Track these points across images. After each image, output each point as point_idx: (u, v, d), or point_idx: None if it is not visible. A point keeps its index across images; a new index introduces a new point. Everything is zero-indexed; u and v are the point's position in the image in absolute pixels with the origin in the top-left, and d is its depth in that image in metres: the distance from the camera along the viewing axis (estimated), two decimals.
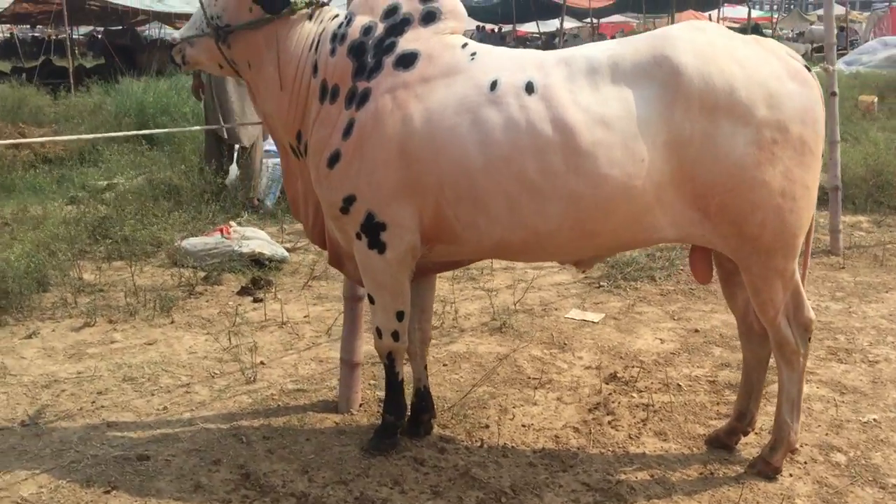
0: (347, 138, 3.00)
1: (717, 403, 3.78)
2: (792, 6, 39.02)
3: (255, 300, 5.28)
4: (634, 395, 3.88)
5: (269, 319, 4.91)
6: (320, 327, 4.81)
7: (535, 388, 3.98)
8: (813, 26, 34.90)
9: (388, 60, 3.00)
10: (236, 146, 7.61)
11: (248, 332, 4.71)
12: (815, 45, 28.42)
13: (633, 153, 2.79)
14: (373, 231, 3.05)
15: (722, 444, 3.38)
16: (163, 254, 6.16)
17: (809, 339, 3.11)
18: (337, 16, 3.18)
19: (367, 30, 3.05)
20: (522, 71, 2.91)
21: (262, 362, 4.29)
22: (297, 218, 3.53)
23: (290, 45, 3.14)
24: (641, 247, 3.21)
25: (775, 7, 42.55)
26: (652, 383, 3.99)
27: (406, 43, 3.01)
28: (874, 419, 3.60)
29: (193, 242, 5.97)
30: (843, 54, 26.00)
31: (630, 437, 3.49)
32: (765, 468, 3.15)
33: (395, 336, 3.24)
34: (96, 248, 6.22)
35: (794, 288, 3.03)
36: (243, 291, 5.41)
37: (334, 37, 3.09)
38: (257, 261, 5.86)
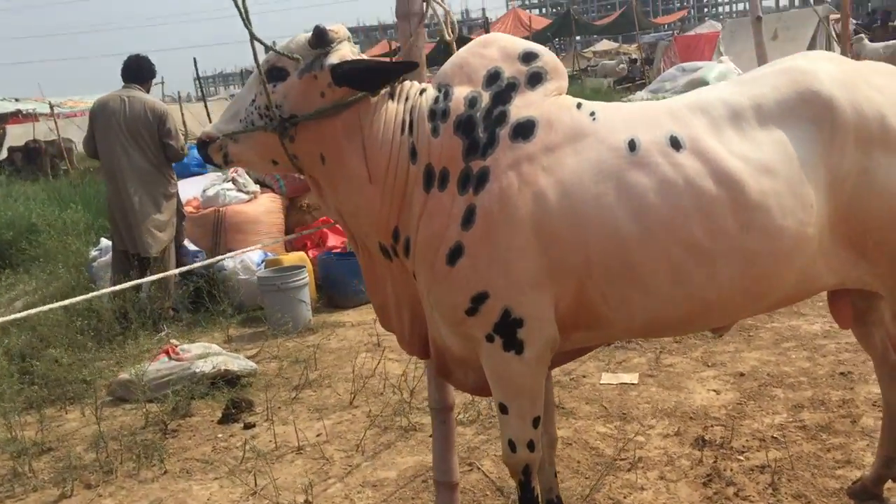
0: (469, 228, 2.56)
1: (828, 450, 3.58)
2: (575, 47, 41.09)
3: (247, 426, 4.59)
4: (739, 457, 3.61)
5: (280, 446, 4.25)
6: (345, 445, 4.21)
7: (629, 469, 3.62)
8: (603, 61, 37.32)
9: (503, 132, 2.59)
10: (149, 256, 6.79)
11: (263, 466, 4.03)
12: (609, 80, 30.15)
13: (801, 199, 2.54)
14: (509, 330, 2.61)
15: (870, 494, 3.17)
16: (100, 391, 5.27)
17: None
18: (424, 90, 2.73)
19: (472, 101, 2.63)
20: (658, 126, 2.59)
21: (308, 502, 3.65)
22: (388, 327, 3.01)
23: (378, 130, 2.66)
24: (800, 301, 2.95)
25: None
26: (747, 441, 3.74)
27: (518, 110, 2.61)
28: None
29: (142, 372, 5.15)
30: (642, 84, 27.87)
31: None
32: None
33: (531, 446, 2.79)
34: (15, 398, 5.23)
35: None
36: (226, 418, 4.70)
37: (433, 114, 2.64)
38: (228, 380, 5.13)
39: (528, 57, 2.68)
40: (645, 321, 2.68)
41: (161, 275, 5.35)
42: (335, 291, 6.89)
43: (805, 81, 2.61)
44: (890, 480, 3.16)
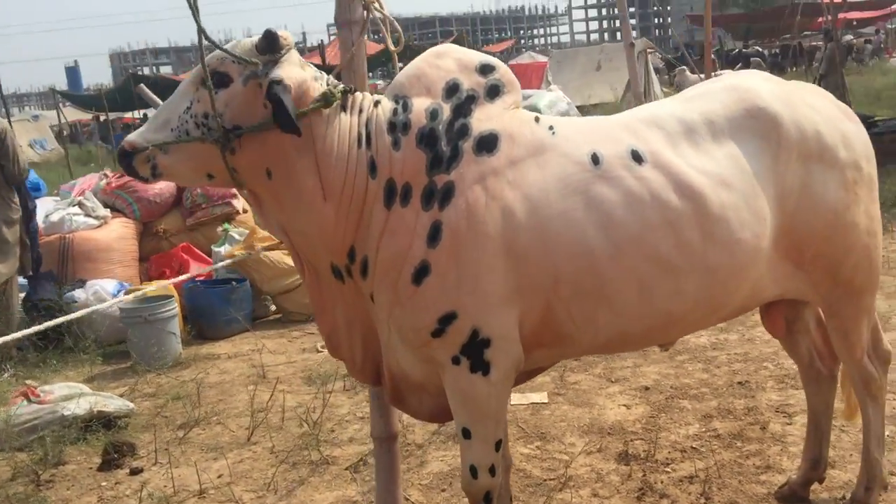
0: (436, 245, 2.42)
1: (746, 457, 3.70)
2: None
3: (133, 471, 4.16)
4: (666, 469, 3.66)
5: (179, 491, 3.88)
6: (253, 485, 3.90)
7: (561, 489, 3.57)
8: None
9: (466, 146, 2.48)
10: None
11: None
12: None
13: (756, 212, 2.61)
14: (476, 351, 2.49)
15: (798, 497, 3.29)
16: None
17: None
18: (378, 102, 2.56)
19: (434, 113, 2.50)
20: (617, 140, 2.58)
21: None
22: (337, 354, 2.79)
23: (332, 143, 2.47)
24: (745, 313, 3.01)
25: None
26: (669, 453, 3.80)
27: (479, 123, 2.52)
28: None
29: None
30: None
31: None
32: None
33: (493, 471, 2.67)
34: None
35: (873, 323, 3.04)
36: (107, 464, 4.24)
37: (392, 126, 2.49)
38: (104, 422, 4.64)
39: (485, 69, 2.60)
40: (608, 337, 2.65)
41: None
42: (204, 322, 6.47)
43: (751, 98, 2.69)
44: (815, 482, 3.29)
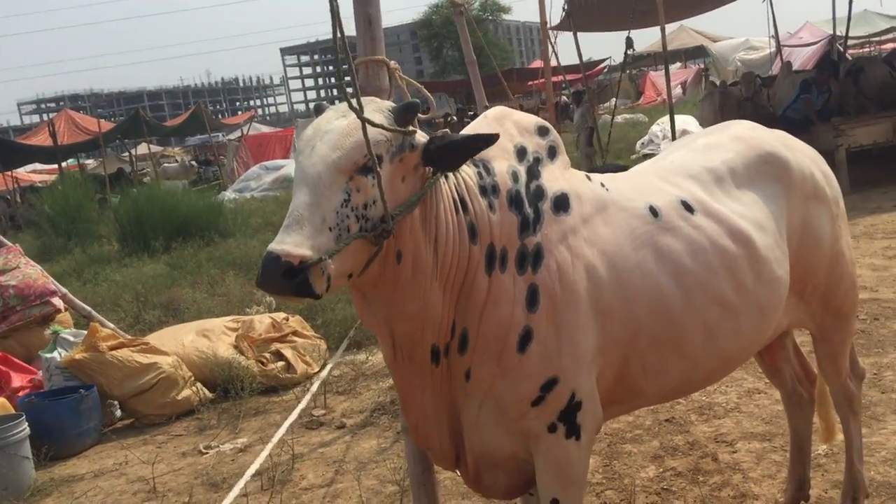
0: (535, 309, 2.34)
1: (718, 489, 3.86)
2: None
3: None
4: None
5: None
6: None
7: None
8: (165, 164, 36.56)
9: (545, 206, 2.44)
10: None
11: None
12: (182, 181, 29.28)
13: (783, 251, 2.80)
14: (571, 415, 2.42)
15: None
16: None
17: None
18: None
19: (515, 176, 2.44)
20: (664, 192, 2.67)
21: None
22: (425, 444, 2.55)
23: (441, 213, 2.29)
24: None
25: None
26: (647, 498, 3.87)
27: (549, 184, 2.49)
28: None
29: None
30: (218, 183, 27.84)
31: None
32: None
33: None
34: None
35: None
36: None
37: (483, 189, 2.37)
38: None
39: (542, 131, 2.60)
40: (674, 386, 2.70)
41: None
42: (52, 440, 5.59)
43: (760, 146, 2.89)
44: (802, 502, 3.51)
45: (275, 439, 3.99)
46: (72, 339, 6.23)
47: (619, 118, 29.72)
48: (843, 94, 12.75)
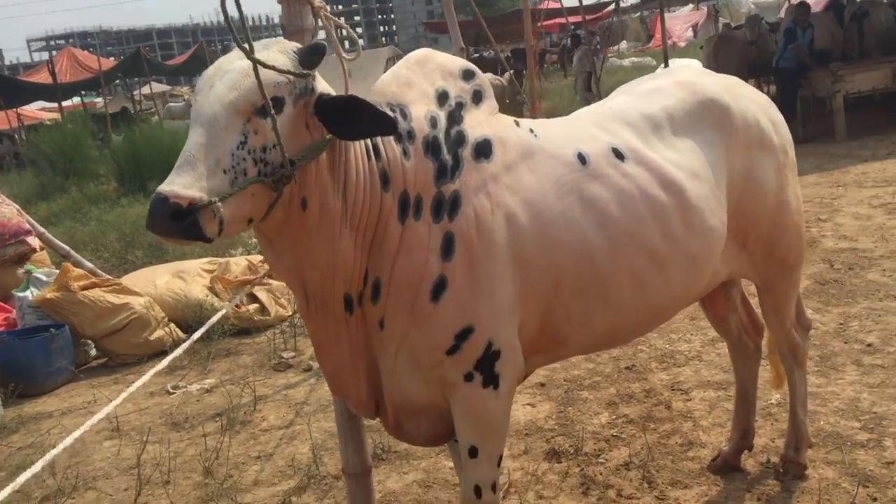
0: (450, 258, 2.29)
1: (667, 437, 3.86)
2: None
3: None
4: (599, 460, 3.72)
5: None
6: None
7: (504, 497, 3.53)
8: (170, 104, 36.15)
9: (465, 153, 2.37)
10: None
11: None
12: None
13: (719, 200, 2.73)
14: (488, 364, 2.38)
15: (730, 466, 3.48)
16: None
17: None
18: None
19: (433, 121, 2.37)
20: (595, 139, 2.59)
21: None
22: (342, 393, 2.53)
23: (352, 159, 2.23)
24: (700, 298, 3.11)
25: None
26: (594, 444, 3.87)
27: (472, 129, 2.42)
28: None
29: None
30: None
31: (657, 498, 3.35)
32: (797, 469, 3.34)
33: (495, 488, 2.59)
34: None
35: (797, 296, 3.28)
36: None
37: (398, 136, 2.30)
38: None
39: (467, 75, 2.52)
40: (600, 336, 2.66)
41: None
42: (22, 378, 5.64)
43: (702, 91, 2.80)
44: (745, 451, 3.50)
45: None
46: (44, 278, 6.24)
47: (626, 61, 29.36)
48: (846, 40, 12.44)
